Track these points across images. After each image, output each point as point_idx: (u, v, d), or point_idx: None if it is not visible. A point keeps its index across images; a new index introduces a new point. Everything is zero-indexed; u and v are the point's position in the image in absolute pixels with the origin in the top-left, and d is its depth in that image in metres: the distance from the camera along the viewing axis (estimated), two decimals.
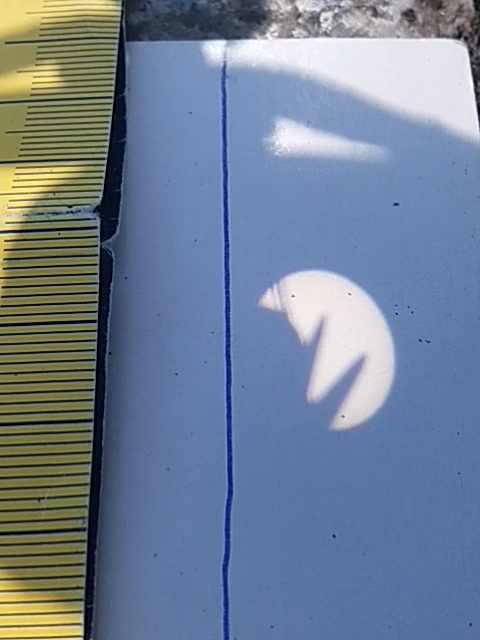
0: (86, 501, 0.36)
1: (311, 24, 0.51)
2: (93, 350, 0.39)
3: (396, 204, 0.45)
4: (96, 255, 0.41)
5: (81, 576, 0.35)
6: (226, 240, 0.44)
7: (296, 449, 0.39)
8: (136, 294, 0.43)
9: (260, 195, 0.45)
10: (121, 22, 0.49)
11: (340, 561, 0.37)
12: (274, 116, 0.48)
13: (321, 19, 0.51)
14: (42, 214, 0.42)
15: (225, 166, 0.46)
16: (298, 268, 0.43)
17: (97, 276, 0.41)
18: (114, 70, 0.47)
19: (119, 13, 0.49)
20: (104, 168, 0.44)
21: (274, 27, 0.51)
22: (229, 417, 0.40)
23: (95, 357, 0.39)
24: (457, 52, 0.50)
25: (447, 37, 0.51)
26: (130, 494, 0.38)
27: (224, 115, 0.48)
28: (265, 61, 0.49)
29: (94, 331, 0.40)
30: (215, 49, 0.50)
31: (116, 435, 0.39)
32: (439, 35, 0.51)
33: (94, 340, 0.39)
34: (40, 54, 0.47)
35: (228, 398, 0.40)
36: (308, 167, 0.46)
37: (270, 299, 0.43)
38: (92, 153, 0.44)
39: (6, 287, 0.41)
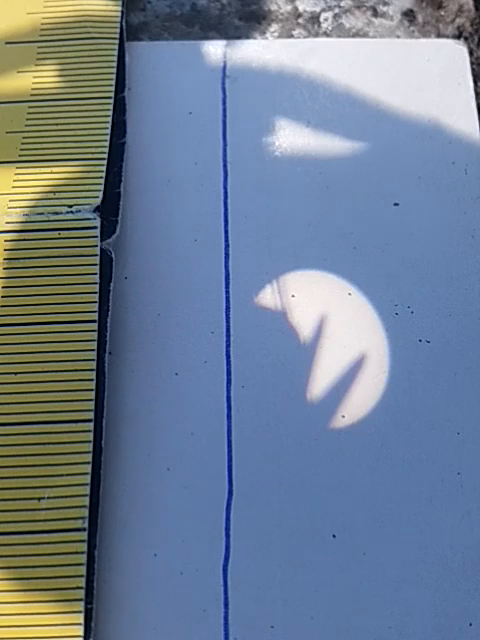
0: (86, 501, 0.36)
1: (311, 24, 0.51)
2: (93, 350, 0.39)
3: (396, 204, 0.45)
4: (96, 255, 0.41)
5: (81, 576, 0.35)
6: (226, 240, 0.44)
7: (296, 449, 0.39)
8: (136, 294, 0.43)
9: (260, 195, 0.45)
10: (121, 22, 0.49)
11: (340, 561, 0.37)
12: (274, 116, 0.48)
13: (321, 19, 0.51)
14: (42, 214, 0.42)
15: (225, 166, 0.46)
16: (298, 268, 0.43)
17: (97, 276, 0.41)
18: (114, 70, 0.47)
19: (119, 13, 0.49)
20: (104, 168, 0.44)
21: (274, 27, 0.51)
22: (229, 417, 0.40)
23: (95, 357, 0.39)
24: (457, 52, 0.50)
25: (447, 37, 0.51)
26: (130, 494, 0.38)
27: (224, 115, 0.48)
28: (265, 61, 0.49)
29: (94, 331, 0.40)
30: (215, 49, 0.50)
31: (116, 435, 0.39)
32: (439, 35, 0.51)
33: (94, 340, 0.39)
34: (40, 54, 0.47)
35: (228, 398, 0.40)
36: (308, 167, 0.46)
37: (270, 299, 0.43)
38: (92, 153, 0.44)
39: (6, 287, 0.41)
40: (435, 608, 0.36)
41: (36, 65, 0.47)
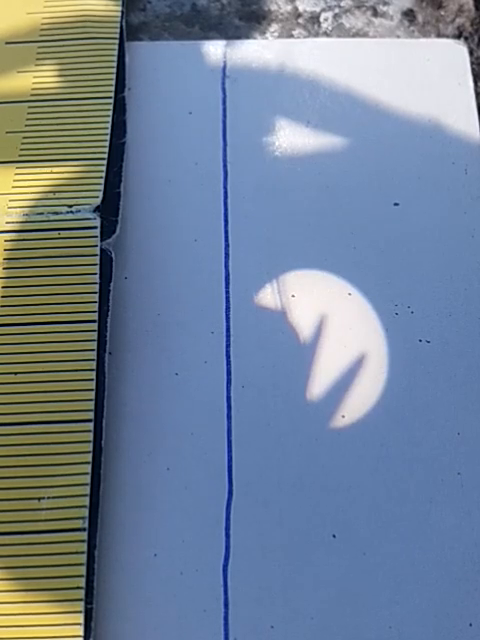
0: (86, 501, 0.36)
1: (311, 24, 0.51)
2: (93, 350, 0.39)
3: (396, 204, 0.45)
4: (96, 255, 0.41)
5: (81, 576, 0.35)
6: (226, 240, 0.44)
7: (296, 449, 0.39)
8: (136, 294, 0.43)
9: (260, 195, 0.45)
10: (121, 22, 0.49)
11: (340, 561, 0.37)
12: (274, 116, 0.48)
13: (321, 19, 0.51)
14: (42, 214, 0.42)
15: (225, 166, 0.46)
16: (298, 268, 0.43)
17: (97, 276, 0.41)
18: (114, 70, 0.47)
19: (119, 13, 0.49)
20: (104, 168, 0.44)
21: (274, 27, 0.51)
22: (229, 417, 0.40)
23: (95, 357, 0.39)
24: (457, 52, 0.50)
25: (447, 37, 0.51)
26: (130, 494, 0.38)
27: (224, 115, 0.48)
28: (265, 61, 0.49)
29: (94, 331, 0.40)
30: (215, 49, 0.50)
31: (116, 435, 0.39)
32: (439, 35, 0.51)
33: (94, 340, 0.39)
34: (40, 54, 0.47)
35: (228, 398, 0.40)
36: (308, 167, 0.46)
37: (270, 299, 0.43)
38: (92, 153, 0.44)
39: (6, 287, 0.41)
40: (435, 608, 0.36)
41: (36, 65, 0.47)
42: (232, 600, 0.36)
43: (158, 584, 0.37)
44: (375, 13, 0.52)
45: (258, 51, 0.50)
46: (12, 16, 0.49)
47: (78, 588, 0.35)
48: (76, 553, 0.35)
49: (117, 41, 0.48)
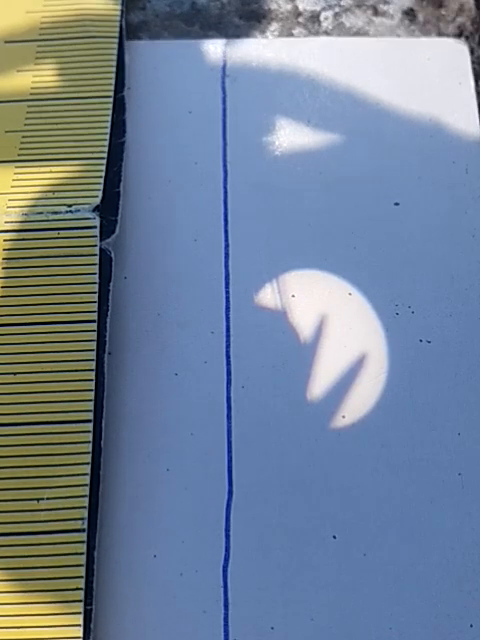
0: (86, 502, 0.36)
1: (311, 23, 0.51)
2: (93, 350, 0.39)
3: (396, 204, 0.45)
4: (95, 255, 0.41)
5: (80, 577, 0.35)
6: (226, 240, 0.44)
7: (296, 449, 0.39)
8: (136, 294, 0.43)
9: (260, 195, 0.45)
10: (121, 21, 0.49)
11: (340, 562, 0.37)
12: (274, 115, 0.47)
13: (321, 18, 0.51)
14: (41, 214, 0.42)
15: (225, 166, 0.46)
16: (298, 268, 0.43)
17: (96, 276, 0.41)
18: (114, 69, 0.47)
19: (119, 12, 0.49)
20: (104, 167, 0.43)
21: (274, 26, 0.51)
22: (229, 417, 0.40)
23: (95, 357, 0.39)
24: (458, 51, 0.50)
25: (448, 36, 0.51)
26: (130, 495, 0.38)
27: (224, 114, 0.47)
28: (265, 60, 0.49)
29: (94, 331, 0.39)
30: (215, 48, 0.50)
31: (116, 435, 0.39)
32: (440, 34, 0.51)
33: (94, 340, 0.39)
34: (40, 53, 0.47)
35: (228, 398, 0.40)
36: (308, 167, 0.46)
37: (270, 299, 0.43)
38: (92, 152, 0.44)
39: (5, 287, 0.41)
40: (436, 609, 0.36)
41: (35, 64, 0.47)
42: (232, 600, 0.36)
43: (158, 585, 0.37)
44: (375, 12, 0.51)
45: (258, 50, 0.50)
46: (11, 15, 0.49)
47: (77, 589, 0.35)
48: (75, 554, 0.35)
49: (117, 40, 0.48)
